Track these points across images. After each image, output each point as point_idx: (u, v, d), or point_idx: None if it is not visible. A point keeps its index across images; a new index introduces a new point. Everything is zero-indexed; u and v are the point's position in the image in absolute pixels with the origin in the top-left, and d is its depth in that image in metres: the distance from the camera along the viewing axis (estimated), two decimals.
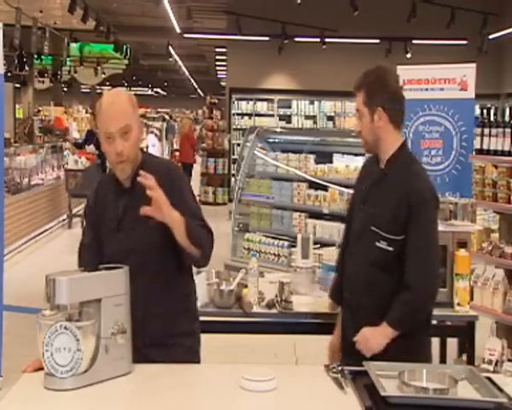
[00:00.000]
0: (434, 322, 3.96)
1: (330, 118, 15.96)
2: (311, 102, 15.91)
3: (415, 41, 14.45)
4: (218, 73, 28.96)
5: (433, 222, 2.66)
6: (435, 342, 4.39)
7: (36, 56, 17.00)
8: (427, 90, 5.36)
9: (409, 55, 14.41)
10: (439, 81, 5.37)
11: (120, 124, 2.47)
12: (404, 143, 2.73)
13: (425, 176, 2.71)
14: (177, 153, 16.58)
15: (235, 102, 15.88)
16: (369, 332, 2.62)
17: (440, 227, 3.64)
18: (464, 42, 13.82)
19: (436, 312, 3.48)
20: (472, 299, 4.24)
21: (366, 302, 2.70)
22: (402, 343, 2.58)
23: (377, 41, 14.68)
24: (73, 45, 19.72)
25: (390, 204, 2.62)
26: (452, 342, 4.48)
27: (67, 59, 19.53)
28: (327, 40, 14.47)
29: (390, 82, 2.67)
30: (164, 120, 21.90)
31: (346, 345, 2.79)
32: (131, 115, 2.53)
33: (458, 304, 3.42)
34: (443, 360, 4.35)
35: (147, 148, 23.40)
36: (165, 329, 2.58)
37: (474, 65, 5.37)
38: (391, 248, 2.61)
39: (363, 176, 2.89)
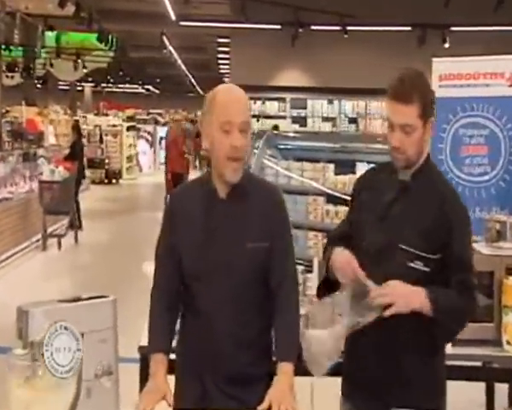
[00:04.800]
0: (479, 363, 3.96)
1: (352, 120, 16.03)
2: (330, 102, 15.99)
3: (454, 28, 14.50)
4: (221, 67, 29.11)
5: (471, 239, 2.85)
6: (480, 387, 4.36)
7: (4, 47, 17.14)
8: (468, 86, 5.37)
9: (447, 45, 14.47)
10: (483, 76, 5.37)
11: (243, 117, 2.63)
12: (429, 153, 2.87)
13: (456, 190, 2.88)
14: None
15: None
16: (402, 286, 2.64)
17: (486, 250, 3.63)
18: None
19: (481, 351, 3.48)
20: None
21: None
22: (419, 353, 2.69)
23: (408, 28, 14.75)
24: (49, 34, 19.85)
25: (423, 220, 2.71)
26: (501, 388, 4.45)
27: (42, 50, 19.67)
28: (348, 28, 14.54)
29: (432, 90, 2.83)
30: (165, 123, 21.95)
31: (363, 378, 2.81)
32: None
33: (508, 342, 3.41)
34: (490, 409, 4.32)
35: (137, 155, 23.47)
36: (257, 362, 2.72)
37: None
38: (427, 269, 2.69)
39: (370, 187, 2.92)
